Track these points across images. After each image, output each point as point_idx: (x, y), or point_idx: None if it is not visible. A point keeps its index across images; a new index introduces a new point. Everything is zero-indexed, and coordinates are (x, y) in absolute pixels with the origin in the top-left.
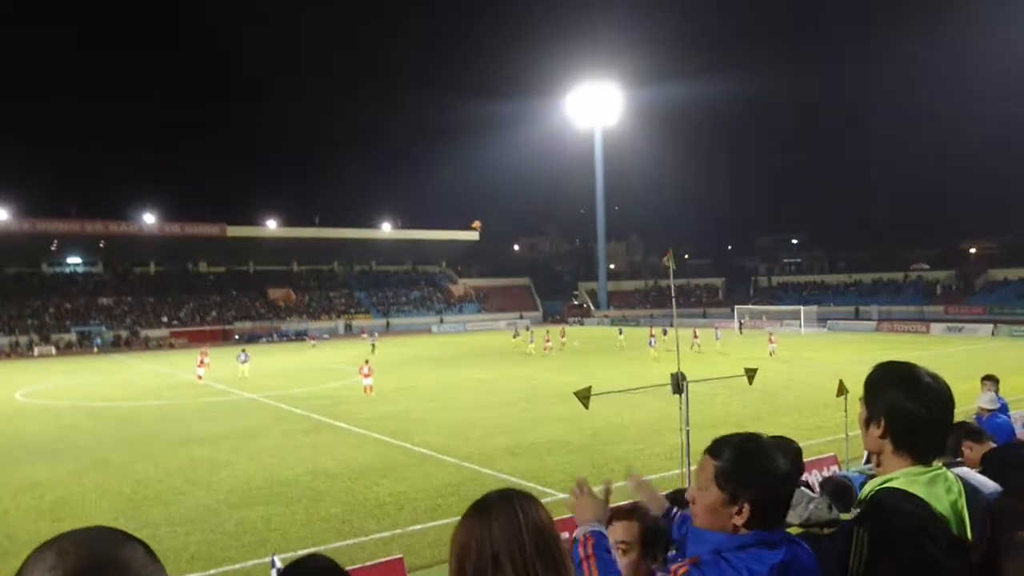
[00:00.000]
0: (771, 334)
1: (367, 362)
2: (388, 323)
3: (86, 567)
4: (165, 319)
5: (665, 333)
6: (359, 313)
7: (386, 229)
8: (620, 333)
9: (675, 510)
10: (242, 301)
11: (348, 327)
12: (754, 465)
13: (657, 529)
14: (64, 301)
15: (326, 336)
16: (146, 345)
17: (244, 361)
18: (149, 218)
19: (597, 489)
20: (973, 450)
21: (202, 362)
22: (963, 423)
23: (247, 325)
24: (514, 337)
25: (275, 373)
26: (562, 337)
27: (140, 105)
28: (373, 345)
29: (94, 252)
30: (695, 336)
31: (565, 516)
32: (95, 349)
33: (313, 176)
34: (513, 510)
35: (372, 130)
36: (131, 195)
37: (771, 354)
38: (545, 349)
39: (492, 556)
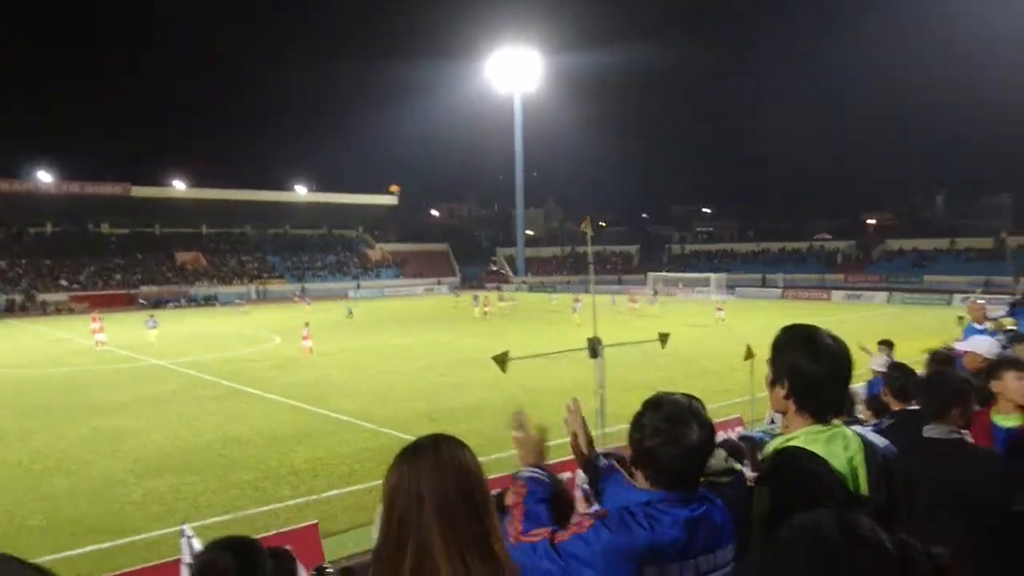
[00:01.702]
0: (720, 303)
1: (307, 325)
2: (303, 288)
3: None
4: (64, 282)
5: (614, 303)
6: (272, 278)
7: (301, 192)
8: (553, 300)
9: (600, 457)
10: (148, 264)
11: (262, 292)
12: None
13: (561, 494)
14: None
15: (238, 301)
16: (43, 310)
17: (153, 327)
18: (45, 176)
19: (535, 424)
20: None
21: (100, 328)
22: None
23: (153, 289)
24: (456, 298)
25: (185, 339)
26: (500, 301)
27: (41, 56)
28: (350, 310)
29: None
30: (633, 301)
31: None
32: None
33: (225, 137)
34: (439, 452)
35: (287, 90)
36: (27, 152)
37: (717, 321)
38: (486, 313)
39: (417, 496)
